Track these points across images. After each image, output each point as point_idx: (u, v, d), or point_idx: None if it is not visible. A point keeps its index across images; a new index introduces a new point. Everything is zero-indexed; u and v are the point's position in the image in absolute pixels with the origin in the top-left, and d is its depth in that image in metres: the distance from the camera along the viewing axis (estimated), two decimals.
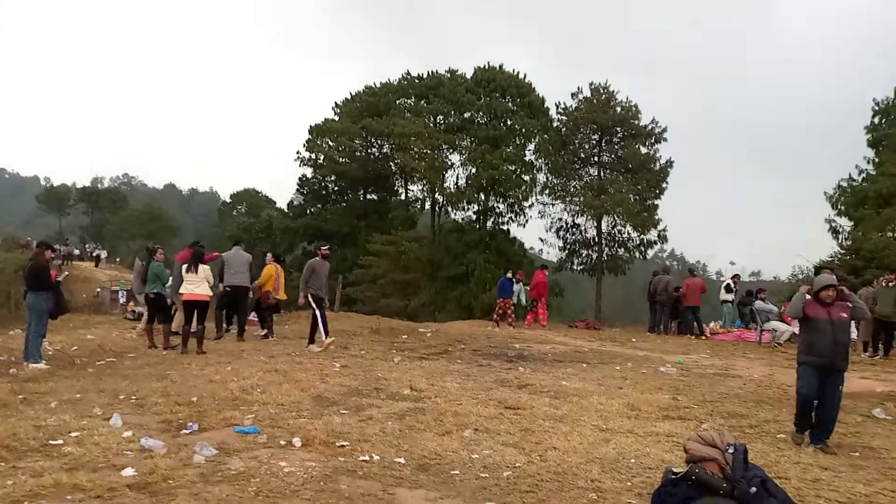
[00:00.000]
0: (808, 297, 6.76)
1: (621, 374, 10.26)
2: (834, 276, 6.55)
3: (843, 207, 28.14)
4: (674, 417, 7.35)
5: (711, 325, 18.14)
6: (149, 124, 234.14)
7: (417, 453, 5.68)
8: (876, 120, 28.76)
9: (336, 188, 43.51)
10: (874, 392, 9.26)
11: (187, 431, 6.04)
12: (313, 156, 40.92)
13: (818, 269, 22.11)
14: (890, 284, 13.11)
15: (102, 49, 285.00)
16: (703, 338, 16.34)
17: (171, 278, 11.85)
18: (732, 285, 18.58)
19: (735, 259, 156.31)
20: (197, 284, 10.77)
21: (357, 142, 40.34)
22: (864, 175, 28.32)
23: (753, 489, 4.17)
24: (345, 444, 5.80)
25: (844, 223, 28.00)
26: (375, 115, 37.96)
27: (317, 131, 40.42)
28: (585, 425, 6.84)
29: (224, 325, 13.07)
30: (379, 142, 40.17)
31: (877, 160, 28.00)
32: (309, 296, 11.48)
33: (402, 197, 41.86)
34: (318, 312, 11.50)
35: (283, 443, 5.76)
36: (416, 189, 40.79)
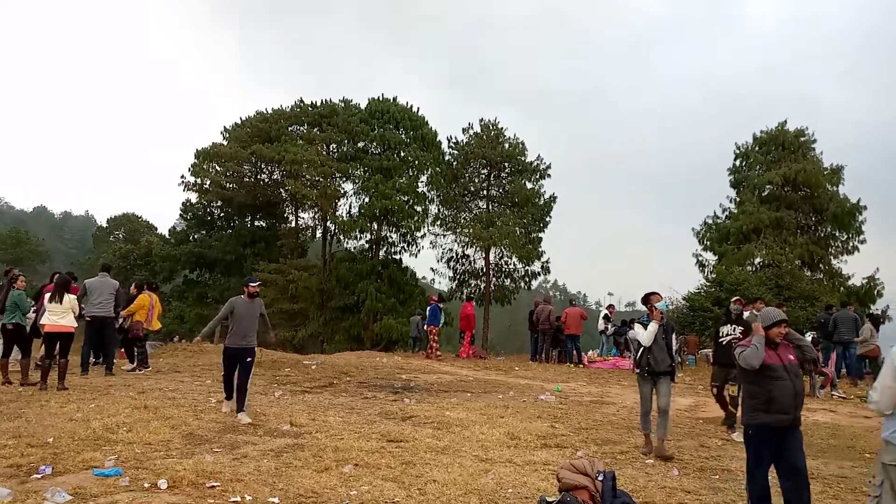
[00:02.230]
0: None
1: (503, 402, 10.46)
2: (781, 311, 5.60)
3: (708, 243, 30.39)
4: (551, 445, 7.57)
5: (590, 353, 18.94)
6: (16, 142, 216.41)
7: (293, 492, 5.52)
8: (737, 163, 31.40)
9: (222, 214, 41.98)
10: (739, 416, 9.95)
11: (39, 476, 5.56)
12: (199, 180, 39.33)
13: (687, 299, 23.70)
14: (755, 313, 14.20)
15: None
16: (582, 366, 17.03)
17: (32, 308, 10.95)
18: (609, 315, 19.51)
19: (613, 290, 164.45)
20: (60, 315, 10.01)
21: (246, 167, 39.22)
22: (727, 213, 30.78)
23: None
24: (216, 484, 5.54)
25: (710, 257, 30.24)
26: (266, 141, 37.10)
27: (203, 155, 38.93)
28: (466, 456, 6.91)
29: (91, 360, 12.15)
30: (269, 168, 39.25)
31: (738, 199, 30.54)
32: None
33: (293, 225, 40.99)
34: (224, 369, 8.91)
35: (147, 485, 5.42)
36: (306, 217, 40.11)
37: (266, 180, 40.01)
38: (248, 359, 8.47)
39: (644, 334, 7.35)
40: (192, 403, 9.06)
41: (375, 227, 35.82)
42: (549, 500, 4.57)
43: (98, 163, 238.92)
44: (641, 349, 7.41)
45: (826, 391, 12.71)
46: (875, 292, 27.19)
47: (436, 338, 18.14)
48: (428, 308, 18.79)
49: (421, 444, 7.30)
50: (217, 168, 39.16)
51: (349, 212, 36.49)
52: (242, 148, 37.66)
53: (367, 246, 37.31)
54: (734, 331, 8.84)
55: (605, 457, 7.10)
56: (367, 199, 35.00)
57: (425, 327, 18.58)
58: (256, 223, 41.40)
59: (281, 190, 38.90)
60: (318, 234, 39.42)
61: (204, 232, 41.59)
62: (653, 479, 6.34)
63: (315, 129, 38.41)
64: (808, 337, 14.07)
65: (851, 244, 29.03)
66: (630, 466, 6.78)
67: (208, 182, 39.18)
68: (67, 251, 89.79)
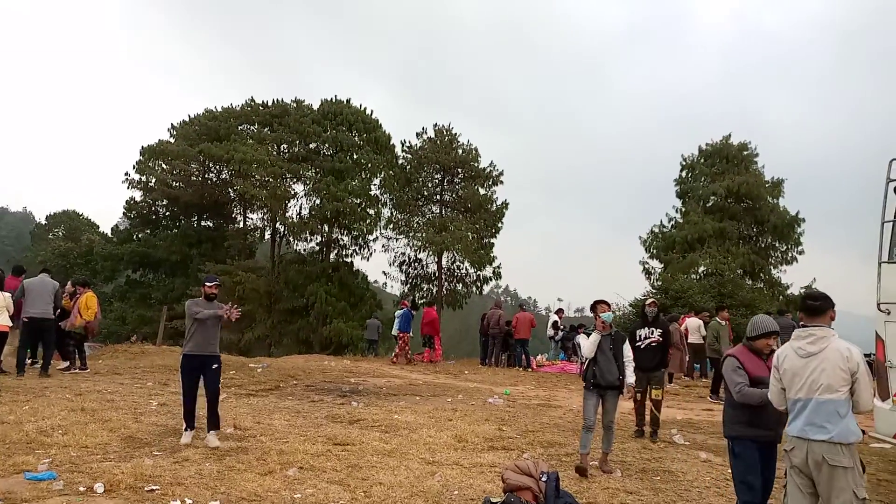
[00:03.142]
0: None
1: (452, 406, 10.48)
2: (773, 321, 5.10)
3: (654, 251, 31.16)
4: (498, 448, 7.61)
5: (538, 357, 19.17)
6: None
7: (235, 495, 5.41)
8: (683, 174, 32.31)
9: (168, 213, 40.87)
10: (675, 419, 10.21)
11: None
12: (144, 178, 38.27)
13: (633, 306, 24.18)
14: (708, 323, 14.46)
15: None
16: (531, 370, 17.21)
17: None
18: (558, 321, 19.77)
19: (563, 296, 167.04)
20: None
21: (194, 166, 38.32)
22: (672, 223, 31.61)
23: None
24: (155, 488, 5.39)
25: (656, 265, 31.01)
26: (215, 139, 36.34)
27: (149, 153, 37.87)
28: (413, 459, 6.89)
29: (28, 361, 11.65)
30: (217, 167, 38.43)
31: (683, 210, 31.41)
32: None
33: (241, 225, 40.22)
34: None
35: (82, 489, 5.24)
36: (255, 217, 39.40)
37: (214, 179, 39.19)
38: (215, 365, 7.44)
39: (585, 345, 6.95)
40: (131, 406, 8.79)
41: (326, 229, 35.50)
42: (494, 500, 4.59)
43: (37, 158, 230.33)
44: (587, 361, 6.96)
45: None
46: None
47: (407, 344, 18.02)
48: (400, 313, 18.54)
49: (368, 448, 7.24)
50: (163, 166, 38.18)
51: (299, 213, 36.08)
52: (190, 146, 36.83)
53: (317, 248, 36.94)
54: (651, 333, 8.62)
55: (550, 459, 7.18)
56: (318, 201, 34.68)
57: (397, 332, 18.27)
58: (203, 223, 40.48)
59: (229, 190, 38.12)
60: (268, 236, 38.79)
61: (148, 231, 40.42)
62: (596, 480, 6.44)
63: (266, 129, 37.84)
64: None
65: (790, 254, 30.21)
66: (573, 468, 6.86)
67: (154, 180, 38.16)
68: (3, 248, 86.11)
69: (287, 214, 35.99)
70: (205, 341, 7.38)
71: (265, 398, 10.63)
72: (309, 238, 36.37)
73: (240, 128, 38.33)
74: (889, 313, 6.57)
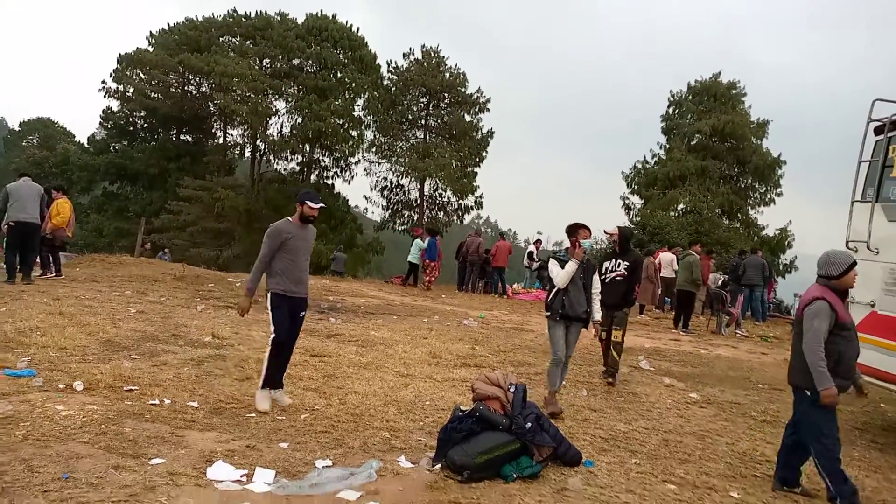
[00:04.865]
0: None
1: (428, 326, 10.70)
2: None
3: (636, 187, 31.29)
4: (470, 365, 7.85)
5: (514, 285, 19.49)
6: None
7: (213, 398, 5.56)
8: (670, 110, 32.11)
9: (146, 125, 39.86)
10: (643, 347, 10.56)
11: None
12: (121, 87, 37.08)
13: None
14: (682, 258, 14.68)
15: None
16: (506, 297, 17.53)
17: None
18: (535, 251, 20.00)
19: (542, 228, 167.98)
20: None
21: (173, 77, 37.17)
22: (656, 159, 31.61)
23: (528, 424, 4.65)
24: (133, 388, 5.51)
25: (636, 201, 31.21)
26: (195, 50, 35.10)
27: (127, 61, 36.53)
28: (388, 372, 7.10)
29: (16, 267, 11.49)
30: (197, 80, 37.32)
31: (667, 146, 31.36)
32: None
33: (220, 141, 39.45)
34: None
35: (62, 386, 5.35)
36: (235, 134, 38.64)
37: (194, 92, 38.14)
38: (302, 313, 5.75)
39: (560, 274, 6.15)
40: (110, 312, 8.84)
41: (308, 149, 35.02)
42: (464, 409, 4.78)
43: (10, 62, 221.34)
44: (555, 290, 6.21)
45: (731, 329, 13.55)
46: (786, 243, 28.86)
47: (437, 270, 17.89)
48: (428, 241, 17.83)
49: (344, 360, 7.43)
50: (141, 76, 37.00)
51: (280, 131, 35.44)
52: (169, 56, 35.62)
53: (298, 168, 36.51)
54: (618, 266, 7.50)
55: (520, 377, 7.41)
56: (299, 120, 34.04)
57: (425, 261, 17.89)
58: (182, 137, 39.63)
59: (209, 104, 37.18)
60: (248, 153, 38.24)
61: (126, 143, 39.52)
62: (563, 397, 6.68)
63: (248, 42, 36.61)
64: (720, 280, 14.90)
65: (769, 196, 30.53)
66: (542, 386, 7.09)
67: (131, 90, 37.06)
68: None
69: (268, 132, 35.35)
70: (297, 278, 5.59)
71: None
72: (290, 157, 35.91)
73: (221, 39, 37.07)
74: (857, 251, 6.74)
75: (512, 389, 4.81)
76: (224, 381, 6.06)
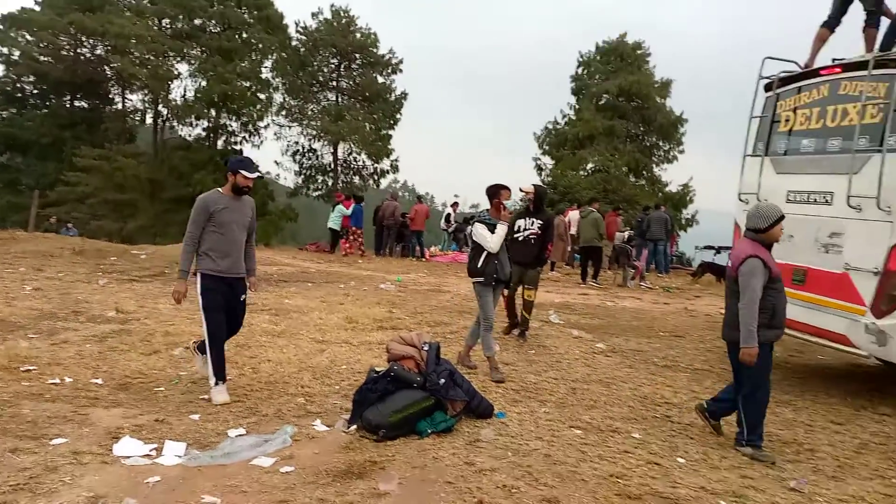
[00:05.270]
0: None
1: (344, 291, 10.66)
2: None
3: (547, 147, 31.92)
4: (387, 328, 7.90)
5: (432, 248, 19.64)
6: None
7: (118, 373, 5.39)
8: (580, 70, 32.73)
9: (36, 91, 36.90)
10: (553, 302, 10.92)
11: None
12: (6, 50, 34.21)
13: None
14: (584, 216, 15.10)
15: None
16: (424, 259, 17.65)
17: None
18: (452, 214, 20.17)
19: (458, 191, 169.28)
20: None
21: (63, 39, 34.46)
22: (566, 119, 32.28)
23: (442, 380, 4.76)
24: (32, 368, 5.27)
25: (548, 161, 31.87)
26: (88, 10, 32.68)
27: (10, 21, 33.62)
28: (303, 339, 7.05)
29: None
30: (91, 41, 34.80)
31: (577, 107, 32.06)
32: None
33: (119, 107, 37.20)
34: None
35: None
36: (135, 99, 36.47)
37: (88, 55, 35.59)
38: (243, 295, 5.21)
39: (492, 238, 6.04)
40: (2, 290, 8.33)
41: (213, 113, 33.61)
42: (378, 370, 4.83)
43: None
44: (485, 254, 6.07)
45: (636, 282, 14.21)
46: (688, 198, 30.34)
47: (361, 237, 17.84)
48: (353, 208, 17.64)
49: (257, 329, 7.31)
50: (28, 38, 34.15)
51: (184, 96, 33.79)
52: (59, 16, 32.99)
53: (204, 134, 35.01)
54: (531, 225, 7.44)
55: (435, 337, 7.54)
56: (204, 83, 32.55)
57: (351, 227, 17.75)
58: (77, 103, 37.04)
59: (105, 67, 34.86)
60: (149, 119, 36.28)
61: (14, 110, 36.59)
62: (476, 353, 6.84)
63: (145, 1, 34.44)
64: (626, 234, 15.52)
65: (672, 154, 31.91)
66: (457, 345, 7.24)
67: (17, 53, 34.20)
68: None
69: (170, 96, 33.66)
70: (232, 255, 5.02)
71: (150, 283, 10.35)
72: (195, 123, 34.36)
73: None
74: (747, 203, 7.16)
75: (426, 348, 4.90)
76: (130, 357, 5.87)
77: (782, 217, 4.53)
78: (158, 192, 32.46)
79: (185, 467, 3.71)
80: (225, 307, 5.02)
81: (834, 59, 6.77)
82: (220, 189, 5.12)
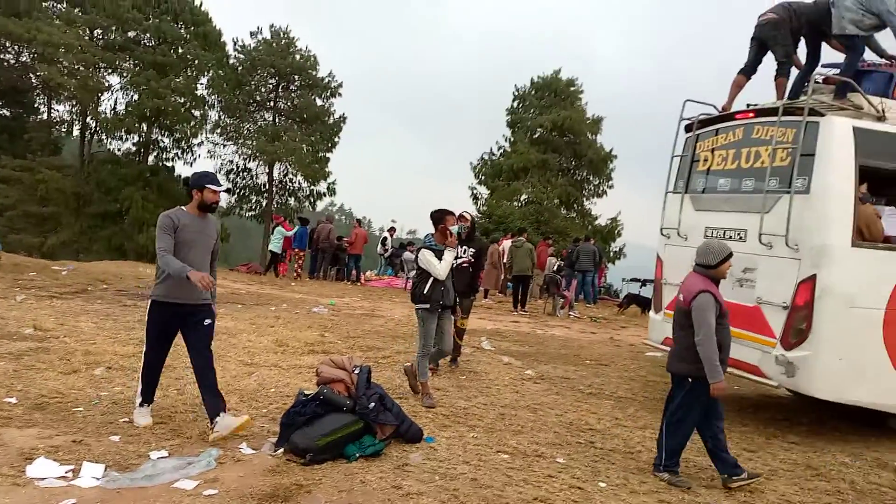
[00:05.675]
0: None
1: (275, 314, 10.52)
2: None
3: (483, 178, 32.48)
4: (318, 352, 7.85)
5: (368, 272, 19.64)
6: None
7: (34, 393, 5.19)
8: (515, 104, 33.55)
9: None
10: (485, 329, 11.09)
11: None
12: None
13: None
14: (518, 246, 15.44)
15: None
16: (359, 284, 17.61)
17: None
18: (388, 238, 20.25)
19: (396, 216, 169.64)
20: None
21: None
22: (501, 151, 32.98)
23: (372, 404, 4.80)
24: None
25: (483, 191, 32.41)
26: (13, 15, 31.44)
27: None
28: (231, 361, 6.94)
29: None
30: (16, 48, 33.41)
31: (512, 139, 32.82)
32: None
33: (44, 117, 35.71)
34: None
35: None
36: (62, 110, 35.00)
37: (11, 61, 34.12)
38: (207, 321, 4.91)
39: (440, 266, 6.06)
40: None
41: (145, 128, 32.66)
42: (307, 393, 4.83)
43: None
44: (431, 280, 6.07)
45: (565, 311, 14.58)
46: (616, 231, 31.37)
47: (303, 259, 17.96)
48: (296, 230, 17.72)
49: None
50: None
51: (114, 109, 32.70)
52: None
53: (134, 149, 33.96)
54: (465, 253, 7.49)
55: (367, 361, 7.55)
56: (136, 97, 31.64)
57: (294, 249, 17.77)
58: None
59: (31, 75, 33.50)
60: (76, 131, 34.90)
61: None
62: (408, 379, 6.90)
63: (76, 10, 33.30)
64: (556, 265, 15.94)
65: (602, 188, 32.95)
66: (389, 369, 7.31)
67: None
68: None
69: (100, 109, 32.47)
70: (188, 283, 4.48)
71: (70, 301, 9.95)
72: (125, 137, 33.24)
73: (45, 4, 33.47)
74: (669, 237, 7.54)
75: (357, 371, 4.93)
76: (47, 375, 5.65)
77: (731, 255, 4.69)
78: (84, 207, 31.18)
79: (104, 489, 3.61)
80: (185, 337, 4.88)
81: (748, 105, 7.27)
82: (183, 207, 4.83)
